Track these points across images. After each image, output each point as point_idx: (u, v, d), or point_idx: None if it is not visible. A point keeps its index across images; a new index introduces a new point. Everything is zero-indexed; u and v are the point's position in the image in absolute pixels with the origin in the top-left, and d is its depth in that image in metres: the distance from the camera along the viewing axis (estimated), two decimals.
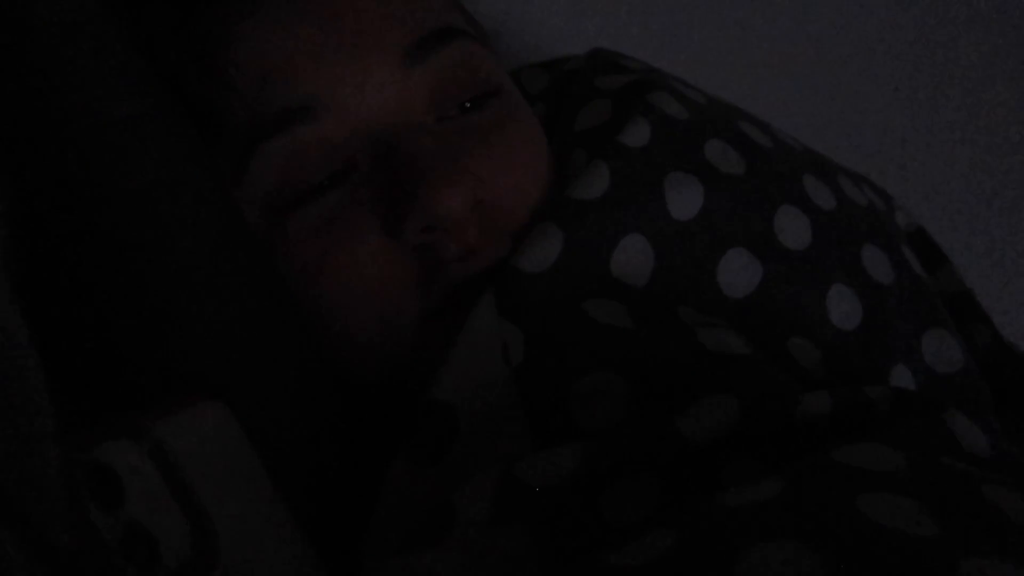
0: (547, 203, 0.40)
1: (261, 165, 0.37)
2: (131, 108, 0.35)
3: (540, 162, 0.41)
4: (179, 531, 0.31)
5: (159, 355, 0.34)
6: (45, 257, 0.35)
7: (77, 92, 0.34)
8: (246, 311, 0.35)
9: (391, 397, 0.38)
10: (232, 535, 0.31)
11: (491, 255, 0.37)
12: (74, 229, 0.34)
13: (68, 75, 0.34)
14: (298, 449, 0.35)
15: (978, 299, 0.48)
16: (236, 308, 0.35)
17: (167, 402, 0.33)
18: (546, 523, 0.30)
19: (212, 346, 0.34)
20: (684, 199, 0.40)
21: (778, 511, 0.25)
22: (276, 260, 0.38)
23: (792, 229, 0.41)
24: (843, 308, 0.40)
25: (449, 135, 0.38)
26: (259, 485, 0.33)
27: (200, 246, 0.35)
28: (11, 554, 0.25)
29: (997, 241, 0.71)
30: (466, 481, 0.31)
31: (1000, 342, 0.46)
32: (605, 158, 0.40)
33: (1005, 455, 0.31)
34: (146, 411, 0.32)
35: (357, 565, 0.34)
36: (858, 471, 0.27)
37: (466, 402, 0.34)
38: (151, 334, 0.34)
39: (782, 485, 0.26)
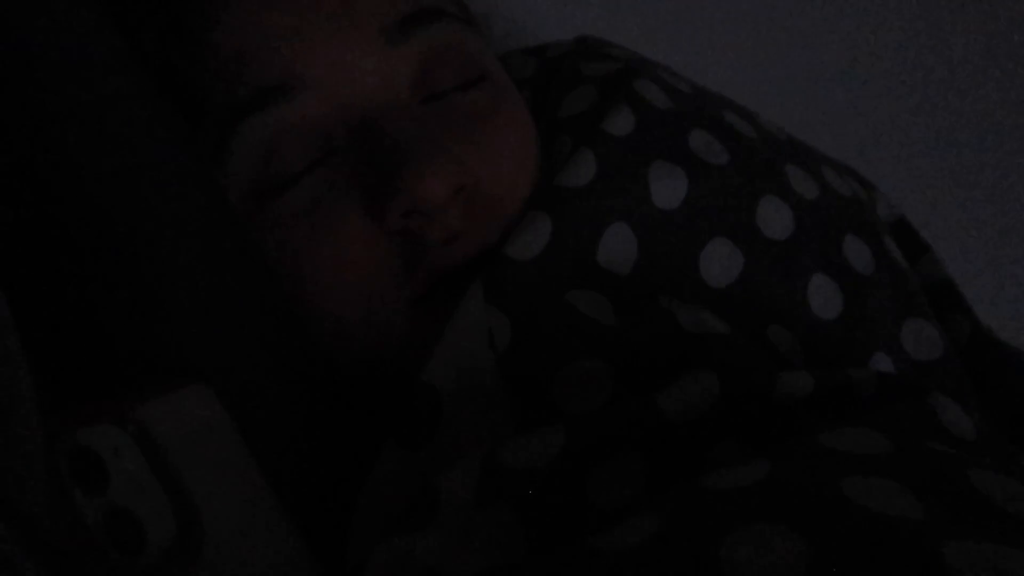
0: (535, 189, 0.40)
1: (241, 147, 0.37)
2: (114, 87, 0.35)
3: (527, 148, 0.40)
4: (164, 514, 0.30)
5: (143, 337, 0.33)
6: (26, 241, 0.35)
7: (59, 69, 0.34)
8: (230, 293, 0.35)
9: (379, 382, 0.38)
10: (217, 518, 0.31)
11: (475, 242, 0.37)
12: (56, 211, 0.34)
13: (49, 53, 0.34)
14: (284, 433, 0.35)
15: (959, 288, 0.48)
16: (220, 290, 0.35)
17: (152, 386, 0.32)
18: (531, 505, 0.30)
19: (197, 328, 0.34)
20: (668, 188, 0.40)
21: (763, 494, 0.25)
22: (260, 245, 0.38)
23: (774, 219, 0.41)
24: (823, 297, 0.40)
25: (433, 118, 0.38)
26: (244, 468, 0.33)
27: (183, 227, 0.35)
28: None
29: (980, 230, 0.72)
30: (451, 464, 0.31)
31: (980, 330, 0.46)
32: (591, 145, 0.40)
33: (989, 438, 0.31)
34: (130, 394, 0.32)
35: (344, 548, 0.34)
36: (844, 454, 0.27)
37: (451, 386, 0.34)
38: (134, 316, 0.34)
39: (767, 468, 0.26)
